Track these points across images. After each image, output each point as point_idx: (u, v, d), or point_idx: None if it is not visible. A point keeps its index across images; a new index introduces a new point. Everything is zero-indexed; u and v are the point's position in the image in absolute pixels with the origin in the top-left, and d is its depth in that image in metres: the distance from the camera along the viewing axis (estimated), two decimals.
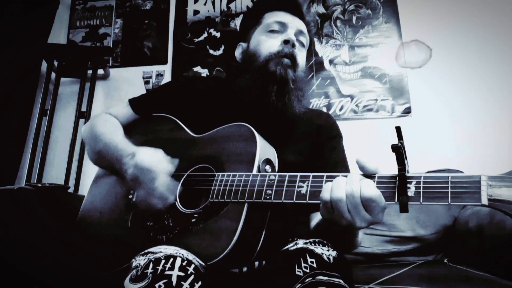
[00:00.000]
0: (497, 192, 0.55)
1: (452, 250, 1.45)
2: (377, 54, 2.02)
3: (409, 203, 0.59)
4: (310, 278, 0.62)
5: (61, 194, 1.18)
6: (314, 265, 0.65)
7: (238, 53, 1.05)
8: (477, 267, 1.18)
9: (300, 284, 0.62)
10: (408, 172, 0.61)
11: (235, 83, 0.99)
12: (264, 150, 0.81)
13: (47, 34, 2.20)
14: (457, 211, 1.50)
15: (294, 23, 1.00)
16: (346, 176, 0.65)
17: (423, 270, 1.20)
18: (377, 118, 1.95)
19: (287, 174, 0.73)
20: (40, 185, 1.10)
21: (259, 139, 0.81)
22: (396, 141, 0.61)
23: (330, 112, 1.97)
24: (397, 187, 0.61)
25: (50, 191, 1.11)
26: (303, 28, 1.02)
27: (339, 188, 0.63)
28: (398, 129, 0.62)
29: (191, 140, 0.92)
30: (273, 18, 1.00)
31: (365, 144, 1.87)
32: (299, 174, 0.71)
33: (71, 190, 1.82)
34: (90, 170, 1.95)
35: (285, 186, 0.71)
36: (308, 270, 0.64)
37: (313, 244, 0.71)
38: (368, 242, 1.48)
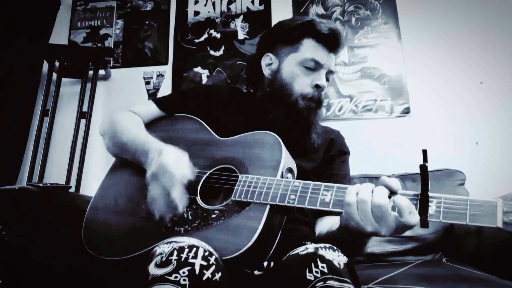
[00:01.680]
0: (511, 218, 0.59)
1: (451, 250, 1.45)
2: (376, 54, 2.03)
3: (429, 219, 0.63)
4: (321, 283, 0.63)
5: (62, 194, 1.18)
6: (325, 270, 0.65)
7: (265, 64, 1.07)
8: (476, 266, 1.18)
9: None
10: (429, 191, 0.65)
11: (267, 113, 1.03)
12: (287, 159, 0.85)
13: (48, 34, 2.21)
14: None
15: (328, 63, 1.02)
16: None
17: (422, 270, 1.20)
18: (376, 118, 1.96)
19: (312, 182, 0.75)
20: (41, 185, 1.11)
21: (284, 148, 0.84)
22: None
23: (330, 113, 1.98)
24: (419, 204, 0.65)
25: (52, 191, 1.12)
26: (334, 65, 1.05)
27: (349, 194, 0.68)
28: (424, 152, 0.65)
29: (216, 141, 0.95)
30: (311, 53, 1.00)
31: (365, 144, 1.88)
32: (323, 183, 0.74)
33: (72, 190, 1.83)
34: (91, 170, 1.96)
35: (309, 193, 0.74)
36: (319, 275, 0.65)
37: (323, 249, 0.71)
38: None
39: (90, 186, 1.90)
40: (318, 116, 1.03)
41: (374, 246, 1.48)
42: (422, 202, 0.64)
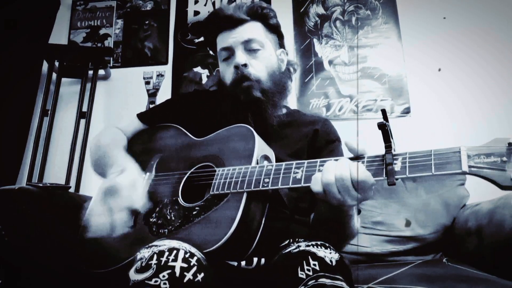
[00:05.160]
0: (476, 161, 0.61)
1: (451, 250, 1.45)
2: (376, 54, 2.03)
3: (396, 176, 0.64)
4: (313, 281, 0.63)
5: (62, 194, 1.18)
6: (317, 267, 0.66)
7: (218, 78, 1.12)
8: (476, 266, 1.18)
9: (303, 287, 0.63)
10: (394, 150, 0.66)
11: (227, 114, 1.03)
12: (262, 147, 0.86)
13: (48, 34, 2.21)
14: (456, 211, 1.50)
15: (237, 38, 1.01)
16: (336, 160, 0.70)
17: (422, 270, 1.20)
18: (376, 118, 1.95)
19: (284, 163, 0.76)
20: (41, 185, 1.11)
21: (257, 137, 0.86)
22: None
23: (329, 113, 1.98)
24: (385, 162, 0.66)
25: (51, 191, 1.12)
26: (250, 33, 1.02)
27: (328, 172, 0.67)
28: (383, 112, 0.67)
29: (193, 143, 0.98)
30: (219, 45, 1.05)
31: (365, 144, 1.88)
32: (294, 162, 0.75)
33: (72, 190, 1.83)
34: (91, 170, 1.95)
35: (281, 174, 0.75)
36: (311, 273, 0.65)
37: (315, 246, 0.72)
38: (368, 242, 1.48)
39: (90, 186, 1.90)
40: (263, 87, 1.00)
41: (374, 246, 1.48)
42: (387, 161, 0.65)
